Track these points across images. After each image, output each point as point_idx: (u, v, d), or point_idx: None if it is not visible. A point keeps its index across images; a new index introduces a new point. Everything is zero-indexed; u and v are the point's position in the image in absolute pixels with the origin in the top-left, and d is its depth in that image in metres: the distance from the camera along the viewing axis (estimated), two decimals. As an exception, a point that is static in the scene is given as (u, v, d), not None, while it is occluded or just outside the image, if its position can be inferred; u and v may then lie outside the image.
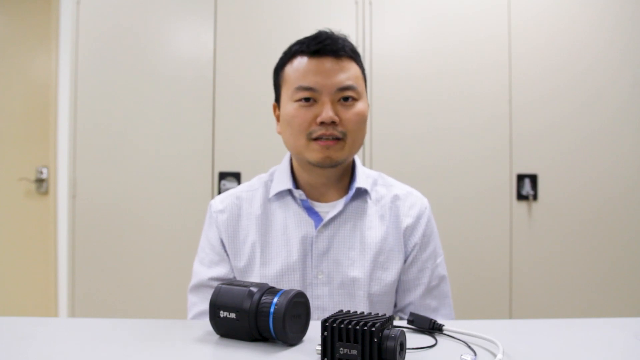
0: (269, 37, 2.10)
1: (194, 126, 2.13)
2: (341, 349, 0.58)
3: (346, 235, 0.97)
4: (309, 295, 0.93)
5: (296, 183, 1.01)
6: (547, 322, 0.79)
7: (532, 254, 2.09)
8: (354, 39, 2.09)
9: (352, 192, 0.98)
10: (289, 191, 0.99)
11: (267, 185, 1.03)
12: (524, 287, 2.09)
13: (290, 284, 0.94)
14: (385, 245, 0.97)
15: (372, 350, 0.57)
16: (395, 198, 1.02)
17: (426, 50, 2.13)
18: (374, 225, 0.98)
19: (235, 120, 2.12)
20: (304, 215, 0.97)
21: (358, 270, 0.95)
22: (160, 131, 2.13)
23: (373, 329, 0.57)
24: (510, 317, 2.08)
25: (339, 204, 0.98)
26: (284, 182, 0.99)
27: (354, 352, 0.58)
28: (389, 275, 0.96)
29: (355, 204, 0.99)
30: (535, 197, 2.09)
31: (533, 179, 2.10)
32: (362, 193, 1.00)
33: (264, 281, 0.95)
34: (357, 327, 0.58)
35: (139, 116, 2.13)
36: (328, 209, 0.99)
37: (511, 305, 2.09)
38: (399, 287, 1.00)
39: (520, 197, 2.10)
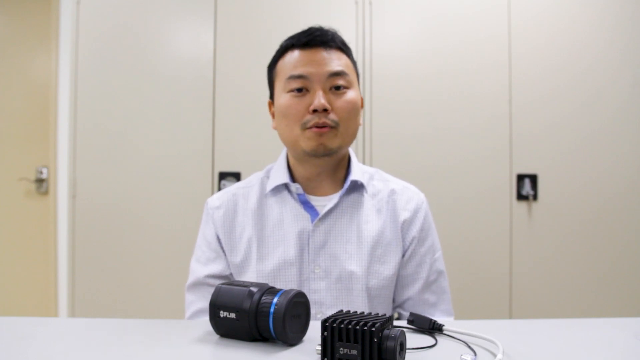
0: (269, 37, 2.10)
1: (194, 126, 2.13)
2: (341, 349, 0.58)
3: (343, 228, 0.97)
4: (306, 289, 0.93)
5: (292, 178, 1.01)
6: (547, 322, 0.79)
7: (532, 254, 2.09)
8: (353, 39, 2.10)
9: (347, 184, 0.99)
10: (285, 186, 1.00)
11: (263, 182, 1.04)
12: (524, 287, 2.09)
13: (287, 278, 0.95)
14: (383, 238, 0.98)
15: (372, 350, 0.57)
16: (392, 192, 1.02)
17: (426, 50, 2.13)
18: (370, 219, 0.99)
19: (235, 120, 2.12)
20: (300, 209, 0.98)
21: (355, 264, 0.95)
22: (160, 131, 2.13)
23: (373, 329, 0.57)
24: (510, 317, 2.08)
25: (335, 197, 0.99)
26: (281, 176, 1.00)
27: (354, 352, 0.58)
28: (387, 269, 0.96)
29: (352, 197, 1.00)
30: (535, 197, 2.09)
31: (533, 179, 2.10)
32: (358, 187, 1.01)
33: (260, 276, 0.95)
34: (357, 327, 0.58)
35: (139, 116, 2.13)
36: (324, 203, 0.99)
37: (511, 305, 2.09)
38: (397, 282, 1.00)
39: (520, 197, 2.10)
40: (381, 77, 2.11)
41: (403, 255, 0.99)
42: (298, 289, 0.69)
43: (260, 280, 0.95)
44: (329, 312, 0.93)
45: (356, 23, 2.12)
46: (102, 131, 2.13)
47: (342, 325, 0.58)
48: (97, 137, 2.13)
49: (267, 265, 0.96)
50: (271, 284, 0.93)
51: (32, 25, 2.40)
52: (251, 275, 0.96)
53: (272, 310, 0.65)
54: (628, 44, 2.11)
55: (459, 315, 1.08)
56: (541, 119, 2.11)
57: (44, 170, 2.37)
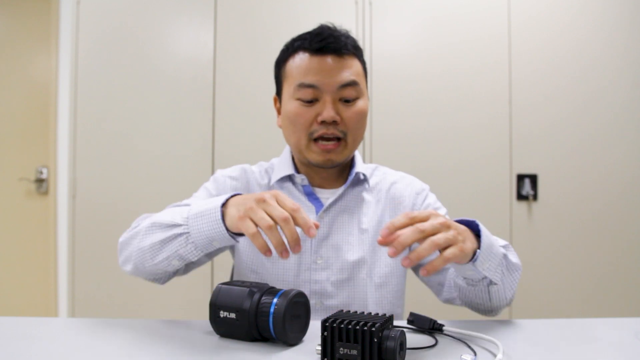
0: (269, 37, 2.10)
1: (194, 126, 2.13)
2: (341, 349, 0.58)
3: (345, 220, 0.98)
4: (306, 280, 0.94)
5: (297, 170, 1.02)
6: (547, 322, 0.79)
7: (532, 254, 2.09)
8: (354, 39, 2.10)
9: (351, 177, 0.99)
10: (290, 178, 1.01)
11: (268, 172, 1.05)
12: (524, 287, 2.08)
13: (285, 267, 0.95)
14: (382, 225, 0.97)
15: (372, 350, 0.57)
16: (391, 183, 1.04)
17: (426, 50, 2.13)
18: (371, 211, 1.00)
19: (235, 120, 2.12)
20: (305, 201, 0.99)
21: (357, 254, 0.96)
22: (160, 131, 2.13)
23: (373, 329, 0.57)
24: (510, 317, 2.08)
25: (339, 190, 0.99)
26: (286, 168, 1.01)
27: (354, 352, 0.58)
28: None
29: (355, 190, 1.01)
30: (535, 197, 2.09)
31: (533, 179, 2.10)
32: (361, 181, 1.02)
33: (256, 259, 0.96)
34: (357, 327, 0.58)
35: (139, 116, 2.13)
36: (328, 195, 1.00)
37: (511, 305, 2.09)
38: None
39: (520, 197, 2.10)
40: (381, 76, 2.11)
41: None
42: (298, 289, 0.69)
43: (256, 263, 0.96)
44: (329, 303, 0.94)
45: (356, 23, 2.12)
46: (102, 131, 2.13)
47: (342, 325, 0.58)
48: (97, 137, 2.13)
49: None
50: (268, 271, 0.94)
51: (32, 25, 2.40)
52: (247, 252, 0.97)
53: (272, 310, 0.65)
54: (628, 44, 2.11)
55: (459, 316, 1.08)
56: (541, 119, 2.11)
57: (44, 170, 2.37)
